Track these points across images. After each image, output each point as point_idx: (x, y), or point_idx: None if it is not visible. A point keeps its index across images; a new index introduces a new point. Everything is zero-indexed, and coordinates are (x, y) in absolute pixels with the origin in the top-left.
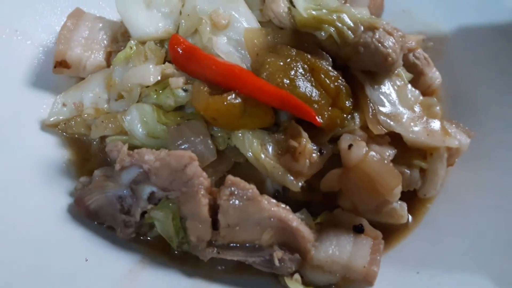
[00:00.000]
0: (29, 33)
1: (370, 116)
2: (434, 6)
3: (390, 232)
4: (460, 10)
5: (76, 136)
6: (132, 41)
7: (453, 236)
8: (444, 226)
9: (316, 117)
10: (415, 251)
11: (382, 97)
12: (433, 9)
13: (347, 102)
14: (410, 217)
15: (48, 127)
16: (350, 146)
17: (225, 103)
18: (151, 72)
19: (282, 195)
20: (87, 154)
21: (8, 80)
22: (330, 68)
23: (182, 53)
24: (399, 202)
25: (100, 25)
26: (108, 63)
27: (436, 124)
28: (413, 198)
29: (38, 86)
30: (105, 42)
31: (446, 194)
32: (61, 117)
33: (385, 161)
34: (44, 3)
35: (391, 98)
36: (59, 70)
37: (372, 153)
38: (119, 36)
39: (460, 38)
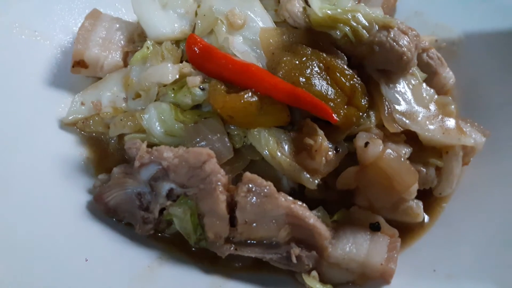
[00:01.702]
0: (48, 34)
1: (386, 115)
2: (447, 7)
3: (406, 231)
4: (472, 12)
5: (94, 134)
6: (148, 41)
7: (469, 235)
8: (460, 225)
9: (333, 115)
10: (431, 249)
11: (397, 95)
12: (445, 11)
13: (362, 100)
14: (426, 216)
15: (67, 125)
16: (366, 144)
17: (242, 101)
18: (169, 71)
19: (298, 193)
20: (104, 152)
21: (27, 80)
22: (345, 66)
23: (199, 53)
24: (415, 201)
25: (117, 25)
26: (125, 63)
27: (451, 123)
28: (429, 197)
29: (56, 86)
30: (122, 42)
31: (462, 193)
32: (79, 116)
33: (402, 159)
34: (61, 5)
35: (407, 97)
36: (77, 69)
37: (389, 150)
38: (136, 36)
39: (472, 39)
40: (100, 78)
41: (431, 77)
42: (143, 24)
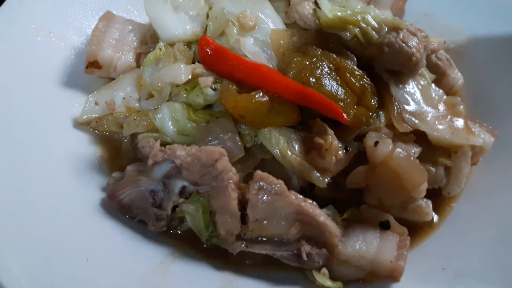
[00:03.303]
0: (62, 35)
1: (396, 115)
2: (455, 9)
3: (415, 230)
4: (481, 13)
5: (107, 133)
6: (161, 43)
7: (478, 235)
8: (469, 225)
9: (343, 115)
10: (440, 248)
11: (406, 96)
12: (454, 13)
13: (372, 101)
14: (435, 216)
15: (81, 125)
16: (376, 143)
17: (253, 101)
18: (182, 71)
19: (308, 191)
20: (118, 151)
21: (43, 80)
22: (355, 67)
23: (211, 54)
24: (424, 200)
25: (130, 27)
26: (138, 64)
27: (460, 123)
28: (438, 197)
29: (70, 86)
30: (134, 43)
31: (471, 193)
32: (93, 115)
33: (411, 158)
34: (76, 7)
35: (416, 97)
36: (90, 70)
37: (399, 149)
38: (148, 38)
39: (480, 41)
40: (113, 79)
41: (439, 78)
42: (155, 26)
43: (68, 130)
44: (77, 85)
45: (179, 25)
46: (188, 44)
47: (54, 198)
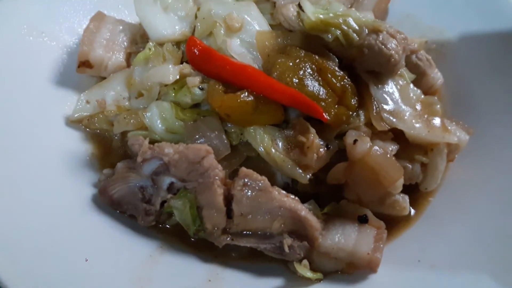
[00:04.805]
0: (54, 35)
1: (374, 114)
2: (438, 11)
3: (393, 224)
4: (463, 15)
5: (98, 131)
6: (150, 43)
7: (454, 228)
8: (445, 219)
9: (324, 114)
10: (416, 241)
11: (385, 95)
12: (436, 14)
13: (352, 100)
14: (412, 210)
15: (72, 123)
16: (355, 141)
17: (238, 100)
18: (170, 72)
19: (291, 187)
20: (108, 148)
21: (35, 79)
22: (336, 68)
23: (198, 54)
24: (401, 195)
25: (120, 27)
26: (128, 64)
27: (436, 121)
28: (415, 192)
29: (63, 85)
30: (125, 43)
31: (448, 189)
32: (84, 114)
33: (388, 155)
34: (67, 7)
35: (394, 97)
36: (82, 69)
37: (376, 147)
38: (138, 38)
39: (462, 41)
40: (104, 78)
41: (419, 77)
42: (145, 26)
43: (60, 128)
44: (69, 84)
45: (168, 25)
46: (177, 44)
47: (46, 193)
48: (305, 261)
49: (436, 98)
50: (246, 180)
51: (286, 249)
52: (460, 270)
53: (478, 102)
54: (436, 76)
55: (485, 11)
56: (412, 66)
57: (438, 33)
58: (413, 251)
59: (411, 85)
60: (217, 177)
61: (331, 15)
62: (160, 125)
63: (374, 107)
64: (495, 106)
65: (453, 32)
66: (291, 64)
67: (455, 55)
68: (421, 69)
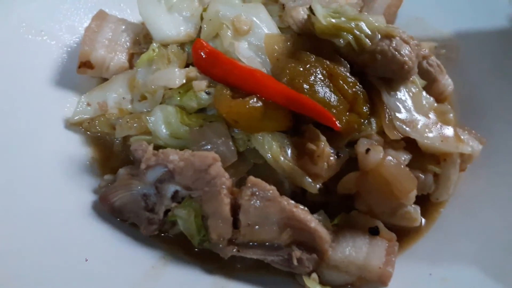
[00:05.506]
0: (54, 34)
1: (387, 122)
2: (447, 14)
3: (403, 235)
4: (472, 18)
5: (99, 135)
6: (154, 44)
7: (465, 240)
8: (456, 230)
9: (336, 122)
10: (427, 253)
11: (398, 103)
12: (445, 17)
13: (364, 108)
14: (423, 220)
15: (72, 125)
16: (367, 150)
17: (247, 106)
18: (176, 75)
19: (299, 196)
20: (109, 153)
21: (34, 79)
22: (348, 74)
23: (205, 57)
24: (413, 206)
25: (123, 27)
26: (131, 65)
27: (449, 131)
28: (426, 203)
29: (62, 86)
30: (127, 44)
31: (458, 199)
32: (85, 116)
33: (402, 166)
34: (68, 5)
35: (407, 105)
36: (83, 70)
37: (389, 157)
38: (141, 38)
39: (471, 46)
40: (105, 79)
41: (430, 84)
42: (148, 26)
43: (59, 131)
44: (69, 85)
45: (172, 26)
46: (182, 45)
47: (45, 199)
48: (314, 275)
49: (449, 106)
50: (254, 189)
51: (295, 262)
52: (472, 283)
53: (488, 109)
54: (447, 82)
55: (492, 15)
56: (423, 72)
57: (447, 37)
58: (423, 263)
59: (424, 93)
60: (224, 186)
61: (343, 19)
62: (164, 130)
63: (387, 115)
64: (505, 113)
65: (462, 36)
66: (301, 69)
67: (464, 60)
68: (432, 75)
